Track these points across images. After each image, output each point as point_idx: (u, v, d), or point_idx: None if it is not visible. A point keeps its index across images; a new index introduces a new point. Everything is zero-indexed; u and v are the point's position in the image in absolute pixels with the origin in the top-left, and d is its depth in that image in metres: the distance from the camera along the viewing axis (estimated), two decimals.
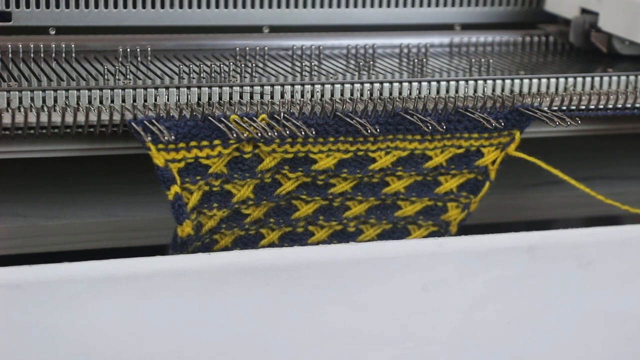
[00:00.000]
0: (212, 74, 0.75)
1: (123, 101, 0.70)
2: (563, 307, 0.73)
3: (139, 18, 0.84)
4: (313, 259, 0.68)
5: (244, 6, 0.86)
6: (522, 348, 0.74)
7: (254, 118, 0.69)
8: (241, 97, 0.73)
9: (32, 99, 0.69)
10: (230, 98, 0.72)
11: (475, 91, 0.78)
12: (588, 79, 0.80)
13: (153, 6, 0.84)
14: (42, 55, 0.79)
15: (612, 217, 0.87)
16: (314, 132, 0.69)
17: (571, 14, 0.89)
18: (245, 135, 0.68)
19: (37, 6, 0.81)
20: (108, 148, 0.71)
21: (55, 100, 0.69)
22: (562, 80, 0.79)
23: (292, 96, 0.74)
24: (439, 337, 0.71)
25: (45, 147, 0.70)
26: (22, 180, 0.81)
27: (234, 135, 0.67)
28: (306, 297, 0.68)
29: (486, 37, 0.91)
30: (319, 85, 0.74)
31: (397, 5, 0.90)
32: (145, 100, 0.71)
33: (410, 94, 0.76)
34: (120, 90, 0.70)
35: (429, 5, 0.91)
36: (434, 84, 0.77)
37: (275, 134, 0.68)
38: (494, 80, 0.78)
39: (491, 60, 0.82)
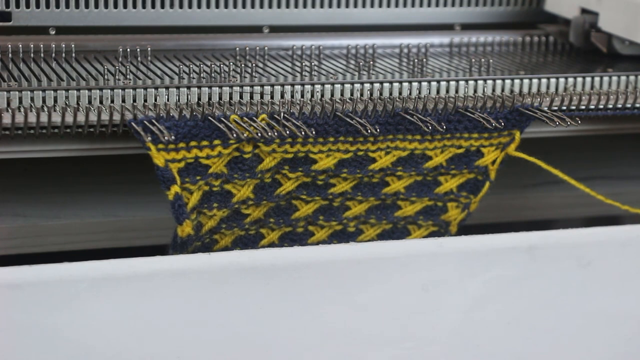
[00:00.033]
0: (212, 74, 0.75)
1: (123, 101, 0.70)
2: (563, 307, 0.73)
3: (139, 18, 0.84)
4: (313, 259, 0.68)
5: (244, 6, 0.86)
6: (522, 348, 0.74)
7: (254, 118, 0.69)
8: (241, 97, 0.73)
9: (32, 99, 0.69)
10: (230, 98, 0.72)
11: (475, 91, 0.78)
12: (588, 79, 0.80)
13: (153, 6, 0.84)
14: (42, 55, 0.79)
15: (612, 217, 0.87)
16: (314, 132, 0.69)
17: (571, 14, 0.89)
18: (245, 135, 0.68)
19: (37, 6, 0.81)
20: (108, 148, 0.71)
21: (55, 100, 0.69)
22: (562, 80, 0.79)
23: (292, 96, 0.74)
24: (439, 337, 0.71)
25: (45, 147, 0.70)
26: (22, 180, 0.81)
27: (234, 135, 0.67)
28: (306, 297, 0.68)
29: (486, 37, 0.91)
30: (319, 85, 0.74)
31: (397, 5, 0.90)
32: (145, 100, 0.71)
33: (410, 94, 0.76)
34: (120, 90, 0.70)
35: (429, 5, 0.91)
36: (434, 84, 0.77)
37: (275, 134, 0.68)
38: (494, 80, 0.78)
39: (491, 60, 0.82)
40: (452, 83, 0.77)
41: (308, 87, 0.74)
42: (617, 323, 0.75)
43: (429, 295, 0.70)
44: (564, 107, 0.77)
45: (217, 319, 0.67)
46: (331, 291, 0.68)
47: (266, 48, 0.83)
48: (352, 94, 0.75)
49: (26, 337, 0.63)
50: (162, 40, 0.84)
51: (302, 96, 0.74)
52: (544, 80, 0.79)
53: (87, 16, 0.83)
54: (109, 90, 0.70)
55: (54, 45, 0.79)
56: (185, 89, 0.71)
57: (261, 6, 0.87)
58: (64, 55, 0.79)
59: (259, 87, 0.73)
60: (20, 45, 0.79)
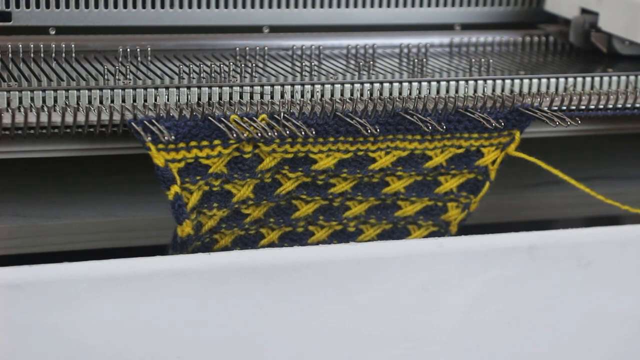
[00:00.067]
0: (212, 74, 0.75)
1: (123, 101, 0.70)
2: (563, 307, 0.73)
3: (139, 18, 0.84)
4: (313, 259, 0.68)
5: (244, 6, 0.86)
6: (522, 348, 0.74)
7: (254, 118, 0.69)
8: (241, 97, 0.73)
9: (32, 99, 0.69)
10: (230, 98, 0.72)
11: (475, 91, 0.78)
12: (588, 79, 0.80)
13: (153, 6, 0.84)
14: (42, 55, 0.79)
15: (612, 217, 0.87)
16: (314, 132, 0.69)
17: (571, 14, 0.89)
18: (245, 135, 0.68)
19: (37, 6, 0.81)
20: (108, 148, 0.71)
21: (55, 100, 0.69)
22: (562, 80, 0.79)
23: (292, 96, 0.74)
24: (439, 337, 0.71)
25: (45, 147, 0.70)
26: (22, 180, 0.81)
27: (234, 135, 0.67)
28: (306, 297, 0.68)
29: (486, 37, 0.91)
30: (319, 85, 0.74)
31: (397, 5, 0.90)
32: (145, 100, 0.71)
33: (410, 94, 0.76)
34: (120, 90, 0.70)
35: (429, 5, 0.91)
36: (434, 84, 0.77)
37: (275, 134, 0.68)
38: (494, 80, 0.78)
39: (491, 60, 0.82)
40: (452, 83, 0.77)
41: (308, 87, 0.74)
42: (617, 323, 0.75)
43: (429, 295, 0.70)
44: (564, 107, 0.77)
45: (217, 319, 0.67)
46: (331, 291, 0.68)
47: (266, 48, 0.83)
48: (352, 94, 0.75)
49: (26, 337, 0.63)
50: (162, 40, 0.84)
51: (302, 96, 0.74)
52: (544, 80, 0.79)
53: (87, 16, 0.83)
54: (109, 90, 0.70)
55: (54, 45, 0.79)
56: (185, 89, 0.71)
57: (261, 6, 0.87)
58: (64, 55, 0.79)
59: (259, 87, 0.73)
60: (20, 45, 0.79)
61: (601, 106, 0.78)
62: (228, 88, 0.72)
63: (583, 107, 0.77)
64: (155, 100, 0.71)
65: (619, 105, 0.78)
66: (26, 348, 0.63)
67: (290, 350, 0.69)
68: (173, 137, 0.67)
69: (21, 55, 0.79)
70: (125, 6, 0.83)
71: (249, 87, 0.73)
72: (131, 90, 0.70)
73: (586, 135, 0.84)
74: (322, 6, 0.88)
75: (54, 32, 0.82)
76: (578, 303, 0.73)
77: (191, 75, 0.75)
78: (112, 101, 0.70)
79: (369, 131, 0.69)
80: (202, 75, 0.75)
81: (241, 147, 0.70)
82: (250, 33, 0.87)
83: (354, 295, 0.69)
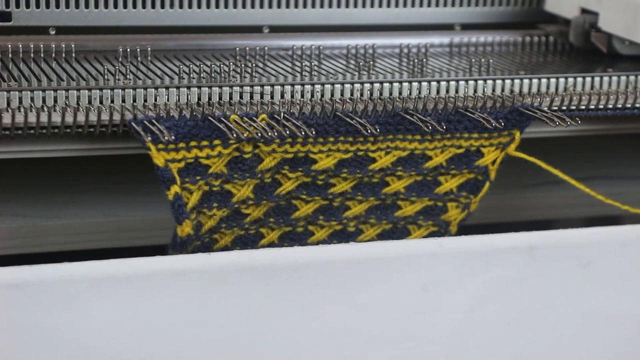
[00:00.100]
0: (212, 74, 0.75)
1: (123, 101, 0.70)
2: (563, 307, 0.73)
3: (139, 18, 0.84)
4: (313, 259, 0.68)
5: (244, 6, 0.86)
6: (522, 348, 0.74)
7: (254, 118, 0.69)
8: (241, 97, 0.73)
9: (32, 99, 0.69)
10: (230, 98, 0.72)
11: (475, 91, 0.78)
12: (588, 79, 0.80)
13: (153, 6, 0.84)
14: (42, 55, 0.79)
15: (612, 217, 0.87)
16: (314, 132, 0.69)
17: (571, 14, 0.89)
18: (245, 135, 0.68)
19: (37, 6, 0.81)
20: (108, 148, 0.71)
21: (55, 100, 0.69)
22: (562, 80, 0.79)
23: (292, 96, 0.74)
24: (439, 337, 0.71)
25: (45, 147, 0.70)
26: (22, 180, 0.81)
27: (234, 135, 0.67)
28: (306, 297, 0.68)
29: (486, 37, 0.91)
30: (319, 85, 0.74)
31: (397, 5, 0.90)
32: (145, 100, 0.71)
33: (410, 94, 0.76)
34: (120, 90, 0.70)
35: (429, 5, 0.91)
36: (434, 84, 0.77)
37: (275, 134, 0.68)
38: (494, 80, 0.78)
39: (491, 60, 0.82)
40: (452, 83, 0.77)
41: (308, 87, 0.74)
42: (617, 323, 0.75)
43: (429, 295, 0.70)
44: (564, 107, 0.77)
45: (217, 319, 0.67)
46: (331, 291, 0.68)
47: (266, 48, 0.83)
48: (352, 94, 0.75)
49: (26, 337, 0.63)
50: (162, 40, 0.84)
51: (302, 96, 0.74)
52: (544, 80, 0.79)
53: (87, 16, 0.83)
54: (109, 90, 0.70)
55: (54, 45, 0.79)
56: (185, 89, 0.71)
57: (261, 6, 0.87)
58: (64, 55, 0.79)
59: (259, 87, 0.73)
60: (20, 45, 0.79)
61: (601, 106, 0.78)
62: (228, 88, 0.72)
63: (583, 107, 0.77)
64: (155, 100, 0.71)
65: (619, 105, 0.78)
66: (26, 348, 0.63)
67: (290, 350, 0.69)
68: (173, 137, 0.67)
69: (21, 55, 0.79)
70: (125, 6, 0.83)
71: (249, 87, 0.73)
72: (131, 90, 0.70)
73: (586, 135, 0.84)
74: (322, 6, 0.88)
75: (54, 32, 0.82)
76: (578, 303, 0.73)
77: (191, 75, 0.75)
78: (112, 101, 0.70)
79: (369, 131, 0.69)
80: (202, 75, 0.75)
81: (241, 147, 0.70)
82: (250, 33, 0.87)
83: (354, 295, 0.69)
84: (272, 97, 0.73)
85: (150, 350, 0.66)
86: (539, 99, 0.76)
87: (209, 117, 0.68)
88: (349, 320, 0.69)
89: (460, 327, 0.71)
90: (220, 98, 0.72)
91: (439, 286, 0.70)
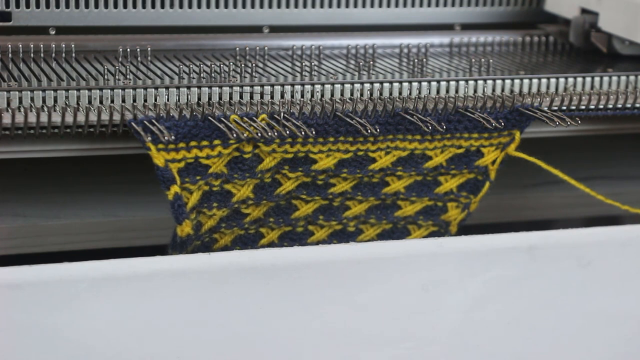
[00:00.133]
0: (212, 74, 0.75)
1: (123, 101, 0.70)
2: (563, 307, 0.73)
3: (139, 18, 0.84)
4: (313, 259, 0.68)
5: (244, 6, 0.86)
6: (522, 348, 0.74)
7: (254, 118, 0.69)
8: (241, 97, 0.73)
9: (32, 99, 0.69)
10: (230, 98, 0.72)
11: (475, 91, 0.78)
12: (588, 79, 0.80)
13: (153, 6, 0.84)
14: (42, 55, 0.79)
15: (612, 217, 0.87)
16: (314, 132, 0.69)
17: (571, 14, 0.89)
18: (245, 135, 0.68)
19: (37, 6, 0.81)
20: (108, 148, 0.71)
21: (55, 100, 0.69)
22: (562, 80, 0.79)
23: (292, 96, 0.74)
24: (439, 337, 0.71)
25: (45, 147, 0.70)
26: (22, 180, 0.81)
27: (234, 135, 0.67)
28: (306, 297, 0.68)
29: (486, 37, 0.91)
30: (319, 85, 0.74)
31: (397, 5, 0.90)
32: (145, 100, 0.71)
33: (410, 94, 0.76)
34: (120, 90, 0.70)
35: (429, 5, 0.91)
36: (434, 84, 0.77)
37: (275, 134, 0.68)
38: (494, 80, 0.78)
39: (491, 60, 0.82)
40: (452, 83, 0.77)
41: (308, 87, 0.74)
42: (617, 323, 0.75)
43: (429, 295, 0.70)
44: (564, 107, 0.77)
45: (217, 319, 0.67)
46: (331, 291, 0.68)
47: (266, 48, 0.83)
48: (352, 94, 0.75)
49: (26, 337, 0.63)
50: (162, 40, 0.84)
51: (302, 96, 0.74)
52: (544, 80, 0.79)
53: (87, 16, 0.83)
54: (109, 90, 0.70)
55: (54, 45, 0.79)
56: (185, 89, 0.71)
57: (261, 6, 0.87)
58: (64, 55, 0.79)
59: (259, 87, 0.73)
60: (20, 45, 0.79)
61: (601, 106, 0.78)
62: (228, 88, 0.72)
63: (583, 107, 0.77)
64: (155, 100, 0.71)
65: (619, 105, 0.78)
66: (26, 348, 0.63)
67: (290, 350, 0.69)
68: (173, 137, 0.67)
69: (21, 55, 0.79)
70: (125, 6, 0.83)
71: (249, 87, 0.73)
72: (131, 90, 0.70)
73: (586, 135, 0.84)
74: (322, 6, 0.88)
75: (54, 32, 0.82)
76: (578, 303, 0.73)
77: (191, 75, 0.75)
78: (112, 101, 0.70)
79: (369, 131, 0.69)
80: (202, 75, 0.75)
81: (241, 147, 0.70)
82: (250, 33, 0.87)
83: (354, 295, 0.69)
84: (272, 97, 0.73)
85: (150, 350, 0.66)
86: (539, 99, 0.76)
87: (209, 117, 0.68)
88: (349, 320, 0.69)
89: (460, 327, 0.71)
90: (220, 98, 0.72)
91: (439, 286, 0.70)
